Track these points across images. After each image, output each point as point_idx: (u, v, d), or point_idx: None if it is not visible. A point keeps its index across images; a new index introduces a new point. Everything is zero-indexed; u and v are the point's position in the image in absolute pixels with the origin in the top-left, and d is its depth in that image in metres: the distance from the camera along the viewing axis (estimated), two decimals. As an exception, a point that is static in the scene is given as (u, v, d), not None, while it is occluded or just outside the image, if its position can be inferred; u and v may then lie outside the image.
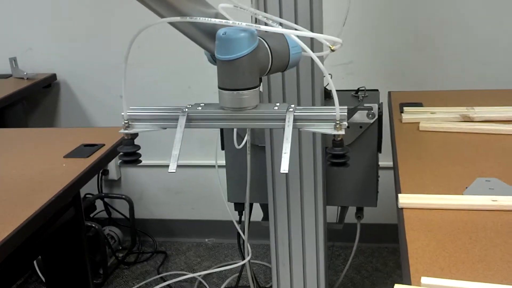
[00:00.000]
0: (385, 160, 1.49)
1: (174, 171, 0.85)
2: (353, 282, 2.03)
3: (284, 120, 0.87)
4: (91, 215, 2.35)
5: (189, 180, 2.29)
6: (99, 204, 2.39)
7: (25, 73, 2.17)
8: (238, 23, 0.77)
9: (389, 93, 1.58)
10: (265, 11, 1.20)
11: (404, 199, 0.93)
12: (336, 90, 1.52)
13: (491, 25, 1.96)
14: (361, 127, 1.42)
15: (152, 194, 2.41)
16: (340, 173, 1.47)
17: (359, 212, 1.57)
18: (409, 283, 0.71)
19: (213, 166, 1.56)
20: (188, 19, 0.76)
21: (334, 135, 0.86)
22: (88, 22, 2.19)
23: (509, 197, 0.91)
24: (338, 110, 0.85)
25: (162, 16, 0.83)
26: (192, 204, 2.38)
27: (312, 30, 1.18)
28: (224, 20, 0.77)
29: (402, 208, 0.91)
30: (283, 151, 0.84)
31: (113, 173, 2.38)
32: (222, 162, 1.56)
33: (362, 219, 1.60)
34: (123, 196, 2.36)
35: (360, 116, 1.42)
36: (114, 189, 2.44)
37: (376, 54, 2.05)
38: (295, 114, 0.87)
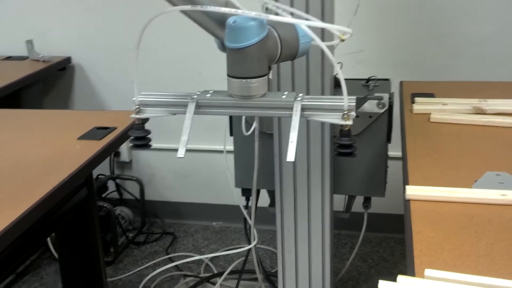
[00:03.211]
0: (394, 150, 1.49)
1: (183, 156, 0.86)
2: (358, 271, 2.04)
3: (291, 109, 0.87)
4: (103, 195, 2.38)
5: (198, 164, 2.31)
6: (111, 184, 2.42)
7: (41, 55, 2.20)
8: (248, 12, 0.77)
9: (401, 82, 1.57)
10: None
11: (411, 191, 0.93)
12: (347, 79, 1.52)
13: (505, 14, 1.93)
14: (370, 116, 1.42)
15: (162, 176, 2.44)
16: (349, 162, 1.47)
17: (367, 202, 1.58)
18: (413, 275, 0.71)
19: (222, 151, 1.57)
20: (199, 7, 0.77)
21: (342, 125, 0.87)
22: (103, 6, 2.20)
23: (519, 192, 0.90)
24: (346, 100, 0.85)
25: (174, 4, 0.84)
26: (200, 188, 2.41)
27: (323, 20, 1.18)
28: (234, 9, 0.77)
29: (409, 200, 0.92)
30: (290, 140, 0.84)
31: (124, 155, 2.40)
32: (230, 147, 1.58)
33: (370, 209, 1.61)
34: (134, 178, 2.39)
35: (370, 106, 1.41)
36: (126, 171, 2.47)
37: (387, 43, 2.04)
38: (303, 103, 0.87)
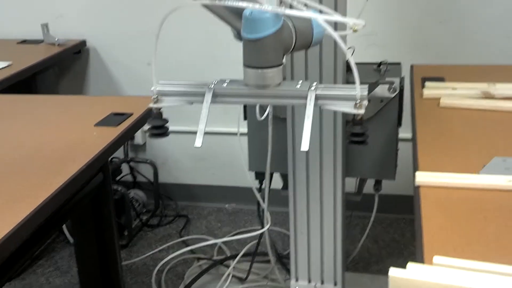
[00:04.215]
0: (406, 132, 1.52)
1: (200, 145, 0.89)
2: (370, 252, 2.08)
3: (306, 98, 0.90)
4: (117, 178, 2.43)
5: (211, 147, 2.34)
6: (124, 167, 2.47)
7: (56, 39, 2.23)
8: (265, 7, 0.79)
9: (411, 66, 1.58)
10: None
11: (421, 177, 0.96)
12: (358, 63, 1.54)
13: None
14: (382, 101, 1.44)
15: (175, 159, 2.48)
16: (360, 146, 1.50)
17: (378, 184, 1.61)
18: (422, 262, 0.73)
19: (235, 134, 1.60)
20: (217, 2, 0.79)
21: (354, 114, 0.89)
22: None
23: (525, 178, 0.93)
24: (358, 90, 0.88)
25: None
26: (214, 170, 2.45)
27: (336, 9, 1.20)
28: (251, 3, 0.79)
29: (418, 186, 0.94)
30: (304, 128, 0.87)
31: (138, 138, 2.44)
32: (244, 130, 1.60)
33: (381, 191, 1.64)
34: (148, 161, 2.43)
35: (381, 90, 1.44)
36: (140, 154, 2.52)
37: (398, 25, 2.04)
38: (317, 92, 0.90)
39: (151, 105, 0.96)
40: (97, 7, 2.28)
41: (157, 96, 0.97)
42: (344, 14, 1.29)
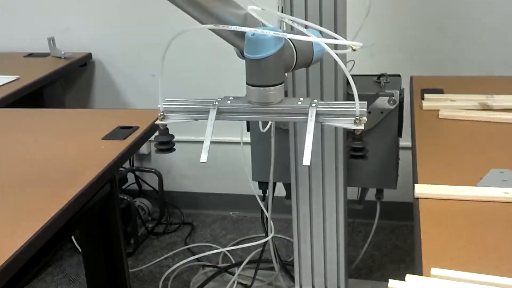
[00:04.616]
0: (408, 141, 1.55)
1: (205, 161, 0.92)
2: (372, 259, 2.11)
3: (307, 114, 0.93)
4: (123, 187, 2.47)
5: (215, 155, 2.38)
6: (130, 176, 2.51)
7: (62, 52, 2.27)
8: (266, 32, 0.82)
9: (411, 78, 1.62)
10: (291, 10, 1.26)
11: (420, 189, 0.99)
12: (359, 75, 1.58)
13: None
14: (382, 112, 1.47)
15: (180, 167, 2.51)
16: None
17: (379, 193, 1.64)
18: (421, 273, 0.76)
19: (239, 142, 1.64)
20: (221, 27, 0.83)
21: (354, 129, 0.92)
22: (123, 2, 2.26)
23: (521, 190, 0.96)
24: (358, 106, 0.91)
25: (194, 17, 0.90)
26: (218, 178, 2.48)
27: (336, 30, 1.24)
28: (253, 29, 0.83)
29: (417, 198, 0.97)
30: (306, 144, 0.90)
31: (143, 148, 2.48)
32: (247, 139, 1.64)
33: (383, 199, 1.67)
34: (153, 170, 2.46)
35: (381, 102, 1.47)
36: (145, 163, 2.55)
37: (398, 36, 2.08)
38: (317, 109, 0.93)
39: (158, 122, 1.00)
40: (101, 20, 2.33)
41: (163, 113, 1.00)
42: (344, 29, 1.33)
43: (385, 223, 2.24)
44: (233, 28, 0.81)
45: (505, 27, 1.99)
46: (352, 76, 1.55)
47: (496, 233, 0.86)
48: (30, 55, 2.37)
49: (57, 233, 1.19)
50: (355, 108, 0.91)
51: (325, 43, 0.90)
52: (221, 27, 0.82)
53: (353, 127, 0.92)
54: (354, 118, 0.91)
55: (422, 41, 2.07)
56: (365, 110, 0.92)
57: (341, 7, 1.28)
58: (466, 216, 0.92)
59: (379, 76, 1.55)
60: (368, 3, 1.34)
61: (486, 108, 1.33)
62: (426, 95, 1.43)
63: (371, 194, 1.68)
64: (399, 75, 1.59)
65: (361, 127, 0.91)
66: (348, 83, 1.48)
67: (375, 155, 1.52)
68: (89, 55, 2.37)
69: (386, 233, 2.26)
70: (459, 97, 1.40)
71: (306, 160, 0.89)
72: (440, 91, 1.47)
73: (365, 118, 0.92)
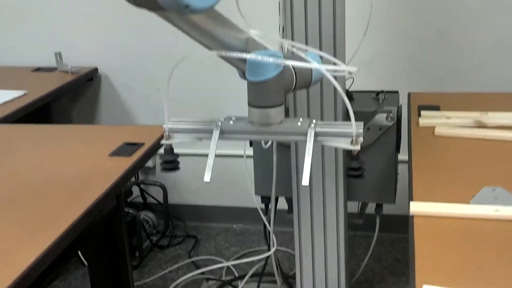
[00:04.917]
0: (406, 155, 1.59)
1: (209, 180, 0.97)
2: (373, 272, 2.14)
3: (306, 135, 0.97)
4: (128, 200, 2.51)
5: (219, 168, 2.39)
6: (135, 189, 2.55)
7: (69, 67, 2.31)
8: (267, 58, 0.87)
9: (409, 94, 1.66)
10: (292, 29, 1.31)
11: (415, 207, 1.02)
12: (358, 91, 1.62)
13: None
14: (380, 129, 1.51)
15: (184, 181, 2.55)
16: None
17: (379, 207, 1.68)
18: (414, 290, 0.80)
19: (242, 156, 1.68)
20: (223, 53, 0.87)
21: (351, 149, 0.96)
22: (127, 17, 2.31)
23: (511, 207, 0.99)
24: (354, 127, 0.95)
25: (197, 40, 0.94)
26: (221, 191, 2.52)
27: (334, 49, 1.29)
28: (255, 55, 0.87)
29: (413, 216, 1.01)
30: (305, 164, 0.94)
31: (148, 162, 2.51)
32: (250, 152, 1.68)
33: (382, 213, 1.71)
34: (158, 183, 2.51)
35: (379, 119, 1.51)
36: (150, 176, 2.60)
37: (397, 53, 2.13)
38: (316, 130, 0.97)
39: (163, 141, 1.04)
40: (107, 35, 2.38)
41: (168, 133, 1.04)
42: (343, 48, 1.38)
43: (385, 236, 2.27)
44: (235, 55, 0.86)
45: (504, 44, 2.04)
46: (352, 92, 1.61)
47: (486, 250, 0.90)
48: (38, 69, 2.41)
49: (65, 249, 1.23)
50: (351, 129, 0.95)
51: (326, 73, 0.94)
52: (223, 53, 0.87)
53: (349, 147, 0.95)
54: (351, 139, 0.96)
55: (421, 58, 2.11)
56: (362, 131, 0.96)
57: (340, 27, 1.32)
58: (459, 234, 0.95)
59: (378, 93, 1.59)
60: (367, 21, 1.39)
61: (481, 126, 1.37)
62: (422, 112, 1.46)
63: (371, 207, 1.72)
64: (397, 92, 1.63)
65: (358, 147, 0.95)
66: (348, 97, 1.54)
67: (374, 170, 1.56)
68: (95, 70, 2.42)
69: (387, 246, 2.29)
70: (455, 114, 1.43)
71: (305, 180, 0.92)
72: (436, 108, 1.51)
73: (361, 139, 0.96)
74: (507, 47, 2.04)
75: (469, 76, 2.07)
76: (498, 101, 1.55)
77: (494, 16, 2.02)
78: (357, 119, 1.47)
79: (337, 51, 1.34)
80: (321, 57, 1.02)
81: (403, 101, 1.63)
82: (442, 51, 2.09)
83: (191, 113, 2.37)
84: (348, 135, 0.96)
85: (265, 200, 1.72)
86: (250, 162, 1.71)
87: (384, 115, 1.49)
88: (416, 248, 0.91)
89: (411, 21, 2.09)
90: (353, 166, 0.96)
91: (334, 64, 0.94)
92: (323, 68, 0.90)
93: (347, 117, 1.46)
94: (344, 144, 0.96)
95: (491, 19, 2.03)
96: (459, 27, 2.05)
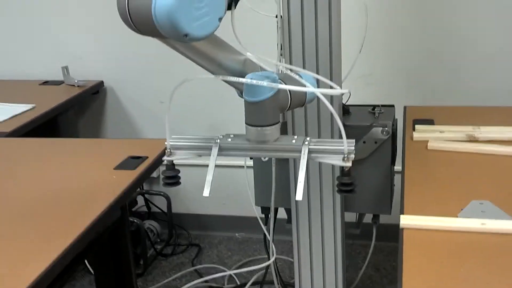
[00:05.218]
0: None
1: (208, 195, 1.02)
2: (371, 280, 2.18)
3: (300, 152, 1.03)
4: (133, 209, 2.56)
5: (221, 178, 2.46)
6: (140, 198, 2.61)
7: (76, 80, 2.38)
8: (263, 83, 0.92)
9: (405, 108, 1.71)
10: (290, 51, 1.37)
11: (405, 220, 1.07)
12: (355, 105, 1.67)
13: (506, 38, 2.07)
14: (376, 142, 1.56)
15: (187, 190, 2.61)
16: (357, 183, 1.61)
17: (375, 218, 1.72)
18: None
19: (243, 167, 1.74)
20: (220, 78, 0.93)
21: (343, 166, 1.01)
22: (133, 32, 2.37)
23: (497, 221, 1.04)
24: (346, 145, 1.00)
25: (197, 62, 1.00)
26: (224, 201, 2.57)
27: (331, 69, 1.35)
28: (250, 79, 0.93)
29: (402, 229, 1.06)
30: (299, 179, 0.99)
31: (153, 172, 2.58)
32: (250, 163, 1.73)
33: (380, 222, 1.75)
34: (162, 193, 2.56)
35: (375, 132, 1.56)
36: (154, 186, 2.65)
37: (394, 66, 2.19)
38: (309, 147, 1.02)
39: (165, 158, 1.10)
40: (112, 49, 2.45)
41: (170, 150, 1.10)
42: (339, 65, 1.43)
43: (383, 245, 2.32)
44: (232, 79, 0.92)
45: (498, 59, 2.09)
46: (349, 106, 1.66)
47: (472, 263, 0.94)
48: (45, 83, 2.48)
49: (73, 259, 1.28)
50: (343, 146, 1.00)
51: (320, 95, 0.99)
52: (220, 78, 0.92)
53: (341, 164, 1.01)
54: (343, 156, 1.01)
55: (417, 71, 2.17)
56: (353, 148, 1.01)
57: (335, 43, 1.37)
58: (446, 246, 1.00)
59: (374, 107, 1.64)
60: (363, 36, 1.45)
61: (473, 140, 1.42)
62: (417, 126, 1.51)
63: (369, 217, 1.76)
64: (393, 106, 1.68)
65: (349, 164, 1.00)
66: (344, 114, 1.59)
67: (370, 182, 1.60)
68: (101, 83, 2.48)
69: (385, 254, 2.33)
70: (448, 128, 1.48)
71: (299, 195, 0.98)
72: (431, 122, 1.56)
73: (352, 156, 1.01)
74: (499, 62, 2.09)
75: (463, 90, 2.12)
76: (491, 115, 1.60)
77: (486, 33, 2.08)
78: (353, 132, 1.53)
79: (333, 66, 1.40)
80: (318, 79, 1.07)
81: (399, 114, 1.68)
82: (439, 65, 2.14)
83: (193, 126, 2.43)
84: (340, 152, 1.01)
85: (265, 210, 1.77)
86: (251, 172, 1.76)
87: (380, 129, 1.54)
88: (404, 260, 0.95)
89: (408, 36, 2.14)
90: (344, 182, 1.01)
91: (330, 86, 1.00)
92: (317, 91, 0.95)
93: (344, 130, 1.52)
94: (336, 161, 1.01)
95: (483, 36, 2.08)
96: (452, 44, 2.11)
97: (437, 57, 2.14)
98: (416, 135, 1.47)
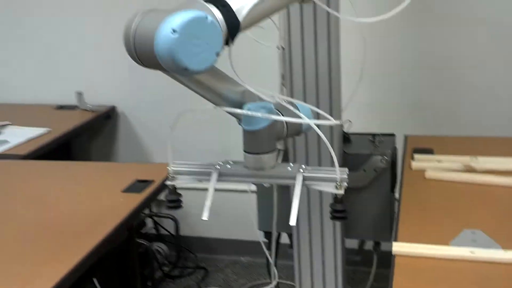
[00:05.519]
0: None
1: (207, 219, 1.07)
2: (374, 306, 2.19)
3: (295, 179, 1.07)
4: (142, 231, 2.61)
5: (227, 202, 2.51)
6: (148, 221, 2.65)
7: (89, 105, 2.46)
8: (258, 114, 0.98)
9: (405, 137, 1.74)
10: (291, 80, 1.43)
11: (397, 247, 1.11)
12: (355, 133, 1.72)
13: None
14: (375, 170, 1.60)
15: (194, 213, 2.64)
16: (358, 211, 1.65)
17: (377, 245, 1.75)
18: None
19: (247, 191, 1.78)
20: (219, 108, 0.98)
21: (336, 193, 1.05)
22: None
23: (486, 250, 1.07)
24: (338, 173, 1.04)
25: (199, 93, 1.05)
26: (230, 225, 2.61)
27: (331, 97, 1.40)
28: (246, 111, 0.98)
29: (394, 256, 1.09)
30: (292, 205, 1.04)
31: (161, 195, 2.63)
32: (254, 188, 1.77)
33: (383, 248, 1.77)
34: (170, 216, 2.61)
35: (374, 161, 1.60)
36: (162, 208, 2.70)
37: (395, 95, 2.24)
38: (304, 174, 1.07)
39: (167, 182, 1.15)
40: (124, 75, 2.52)
41: (172, 175, 1.15)
42: (338, 93, 1.48)
43: (386, 272, 2.32)
44: (230, 110, 0.98)
45: (499, 87, 2.13)
46: (350, 134, 1.70)
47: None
48: (60, 107, 2.56)
49: (80, 277, 1.33)
50: (336, 174, 1.05)
51: (316, 128, 1.03)
52: (218, 108, 0.98)
53: (334, 191, 1.05)
54: (335, 183, 1.05)
55: (417, 100, 2.21)
56: (346, 176, 1.05)
57: (335, 73, 1.43)
58: (436, 274, 1.03)
59: (374, 135, 1.68)
60: (364, 65, 1.51)
61: (470, 170, 1.45)
62: (416, 156, 1.55)
63: (371, 244, 1.79)
64: (393, 134, 1.72)
65: (342, 191, 1.04)
66: (344, 142, 1.64)
67: (370, 209, 1.63)
68: (113, 108, 2.57)
69: (387, 280, 2.33)
70: (446, 158, 1.52)
71: (293, 221, 1.02)
72: (430, 151, 1.59)
73: (345, 183, 1.05)
74: (500, 93, 2.13)
75: (464, 120, 2.16)
76: (489, 145, 1.63)
77: (486, 63, 2.12)
78: (353, 160, 1.57)
79: (333, 95, 1.45)
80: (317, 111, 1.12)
81: (400, 142, 1.72)
82: (440, 94, 2.19)
83: (202, 151, 2.49)
84: (333, 180, 1.05)
85: (268, 235, 1.80)
86: (254, 197, 1.80)
87: (379, 157, 1.58)
88: (394, 286, 0.99)
89: (408, 64, 2.20)
90: (337, 209, 1.05)
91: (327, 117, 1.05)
92: (310, 122, 1.00)
93: (344, 160, 1.57)
94: (329, 188, 1.05)
95: (483, 66, 2.12)
96: (455, 72, 2.16)
97: (439, 85, 2.18)
98: (415, 164, 1.51)
